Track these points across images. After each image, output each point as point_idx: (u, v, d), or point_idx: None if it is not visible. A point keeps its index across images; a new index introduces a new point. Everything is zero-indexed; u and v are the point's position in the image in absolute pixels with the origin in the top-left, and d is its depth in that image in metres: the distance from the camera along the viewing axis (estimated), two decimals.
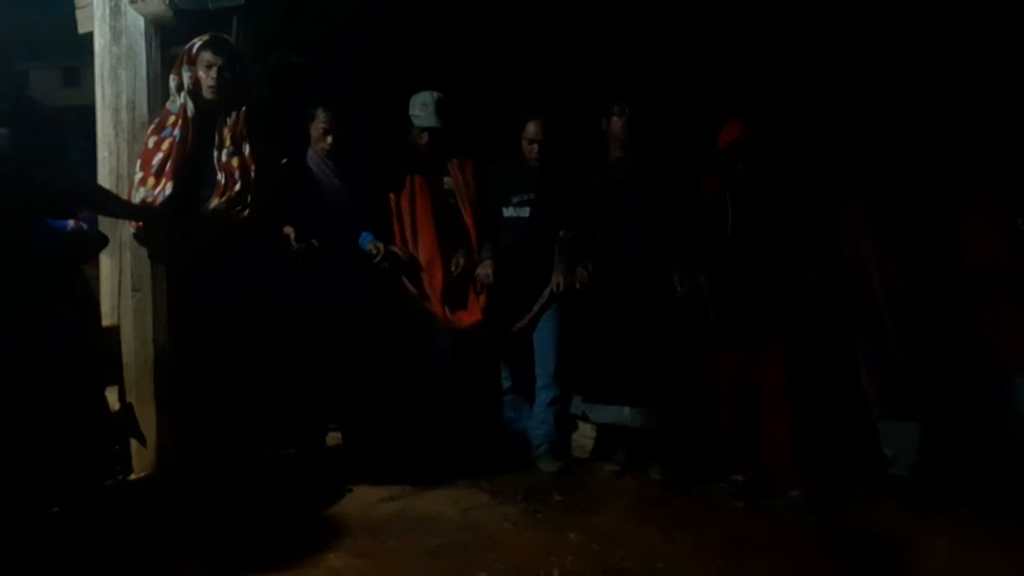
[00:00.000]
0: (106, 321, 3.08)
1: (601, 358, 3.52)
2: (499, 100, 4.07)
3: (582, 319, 3.59)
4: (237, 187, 3.01)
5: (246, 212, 3.01)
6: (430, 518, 3.07)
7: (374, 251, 3.37)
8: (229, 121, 3.02)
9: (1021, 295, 3.18)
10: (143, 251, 3.18)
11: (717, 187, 3.43)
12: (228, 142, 2.99)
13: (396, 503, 3.21)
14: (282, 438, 3.40)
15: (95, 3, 3.28)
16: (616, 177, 3.56)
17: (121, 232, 3.05)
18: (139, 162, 2.99)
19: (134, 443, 2.91)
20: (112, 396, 2.94)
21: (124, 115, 3.23)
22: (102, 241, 2.91)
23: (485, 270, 3.57)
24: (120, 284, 3.22)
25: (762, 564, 2.83)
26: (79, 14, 3.41)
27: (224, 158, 3.05)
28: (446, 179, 3.66)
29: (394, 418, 3.59)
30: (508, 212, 3.65)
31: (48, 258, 2.60)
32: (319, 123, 3.44)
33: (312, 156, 3.48)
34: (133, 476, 3.05)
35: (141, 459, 3.15)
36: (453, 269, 3.56)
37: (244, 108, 3.04)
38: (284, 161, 3.21)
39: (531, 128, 3.59)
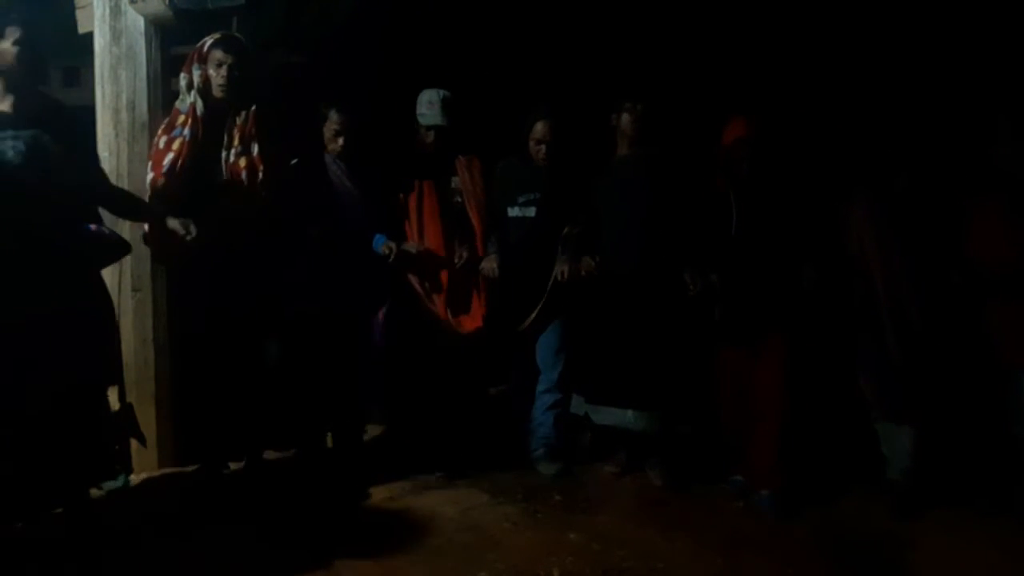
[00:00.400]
0: None
1: (604, 359, 3.51)
2: (502, 99, 4.07)
3: (585, 318, 3.57)
4: (243, 188, 3.01)
5: (252, 213, 3.01)
6: (430, 518, 3.07)
7: (387, 251, 3.36)
8: (239, 121, 3.01)
9: None
10: (144, 251, 3.18)
11: (721, 186, 3.42)
12: (236, 142, 2.98)
13: (396, 503, 3.21)
14: (282, 439, 3.40)
15: (95, 3, 3.29)
16: (624, 175, 3.54)
17: (121, 232, 3.06)
18: (150, 163, 2.99)
19: (134, 443, 2.90)
20: (112, 396, 2.94)
21: (124, 115, 3.24)
22: (123, 247, 2.92)
23: (490, 264, 3.55)
24: (120, 284, 3.23)
25: (762, 564, 2.82)
26: (79, 14, 3.42)
27: (232, 158, 3.05)
28: (453, 178, 3.65)
29: (405, 417, 3.62)
30: (513, 212, 3.64)
31: (73, 260, 2.60)
32: (331, 124, 3.42)
33: (326, 157, 3.47)
34: (133, 476, 3.06)
35: (141, 459, 3.16)
36: (456, 260, 3.55)
37: (254, 107, 3.03)
38: (293, 162, 3.20)
39: (539, 128, 3.58)
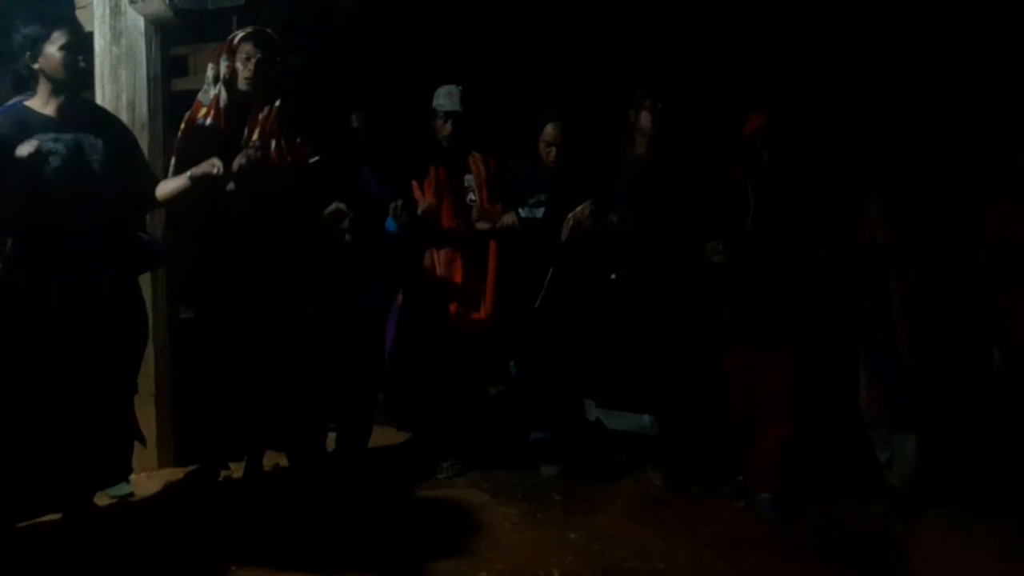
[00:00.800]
0: None
1: (620, 363, 3.46)
2: (505, 99, 4.06)
3: (598, 320, 3.55)
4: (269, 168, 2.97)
5: (279, 189, 2.97)
6: (430, 518, 3.07)
7: (394, 214, 3.32)
8: (261, 116, 3.00)
9: None
10: None
11: (740, 177, 3.36)
12: (256, 136, 2.97)
13: (396, 503, 3.21)
14: (282, 439, 3.39)
15: (95, 3, 3.29)
16: (641, 173, 3.51)
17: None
18: (174, 159, 2.97)
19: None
20: None
21: (124, 115, 3.23)
22: (161, 256, 2.91)
23: (509, 217, 3.50)
24: None
25: (762, 564, 2.83)
26: (79, 14, 3.40)
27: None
28: (466, 176, 3.64)
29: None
30: (522, 212, 3.61)
31: (114, 265, 2.61)
32: (355, 125, 3.44)
33: (352, 159, 3.46)
34: (132, 476, 3.06)
35: (141, 459, 3.16)
36: (474, 217, 3.53)
37: (278, 103, 3.02)
38: (313, 160, 3.17)
39: (549, 131, 3.56)
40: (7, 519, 2.52)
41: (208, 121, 2.95)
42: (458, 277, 3.53)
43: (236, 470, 3.32)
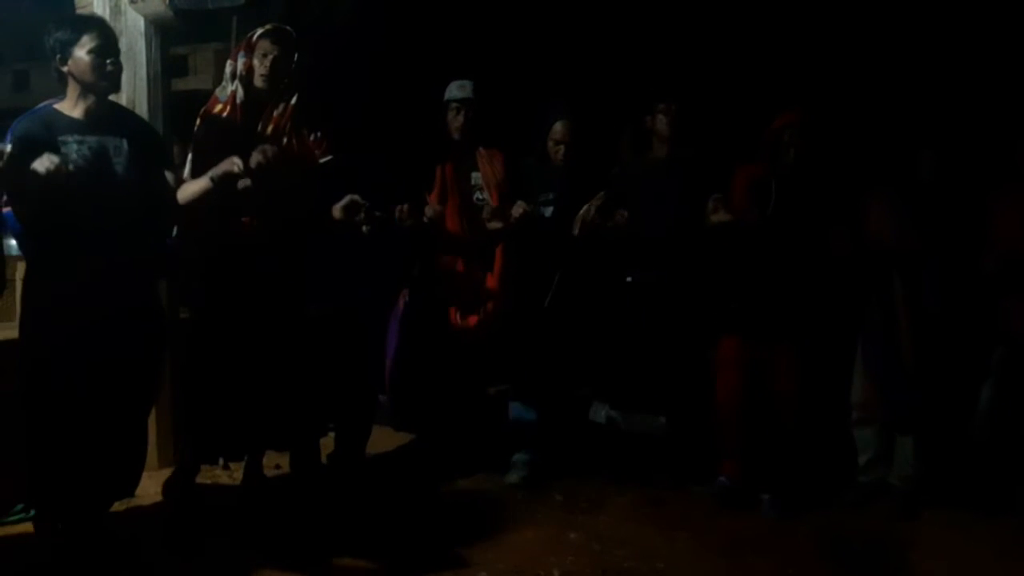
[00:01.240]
0: None
1: (637, 365, 3.45)
2: (505, 99, 4.06)
3: (612, 322, 3.54)
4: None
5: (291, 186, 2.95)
6: (430, 518, 3.08)
7: (399, 217, 3.29)
8: (275, 113, 2.99)
9: None
10: None
11: (764, 171, 3.35)
12: (269, 132, 2.96)
13: (396, 503, 3.21)
14: (281, 439, 3.38)
15: (95, 3, 3.29)
16: (657, 176, 3.50)
17: None
18: (190, 155, 2.97)
19: None
20: None
21: None
22: (178, 261, 2.91)
23: (519, 207, 3.43)
24: None
25: (762, 564, 2.83)
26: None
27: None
28: (474, 174, 3.63)
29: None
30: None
31: (136, 269, 2.60)
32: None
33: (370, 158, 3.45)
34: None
35: None
36: (485, 215, 3.50)
37: (293, 100, 3.01)
38: (324, 160, 3.16)
39: (558, 129, 3.55)
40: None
41: (224, 116, 2.95)
42: (463, 279, 3.53)
43: (236, 470, 3.32)
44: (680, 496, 3.39)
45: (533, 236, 3.52)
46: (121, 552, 2.65)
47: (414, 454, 3.72)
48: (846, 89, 4.25)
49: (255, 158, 2.69)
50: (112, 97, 3.16)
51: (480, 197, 3.59)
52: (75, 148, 2.45)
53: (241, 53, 2.95)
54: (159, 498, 3.09)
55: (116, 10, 3.29)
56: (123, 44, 3.28)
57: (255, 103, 2.95)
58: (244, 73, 2.94)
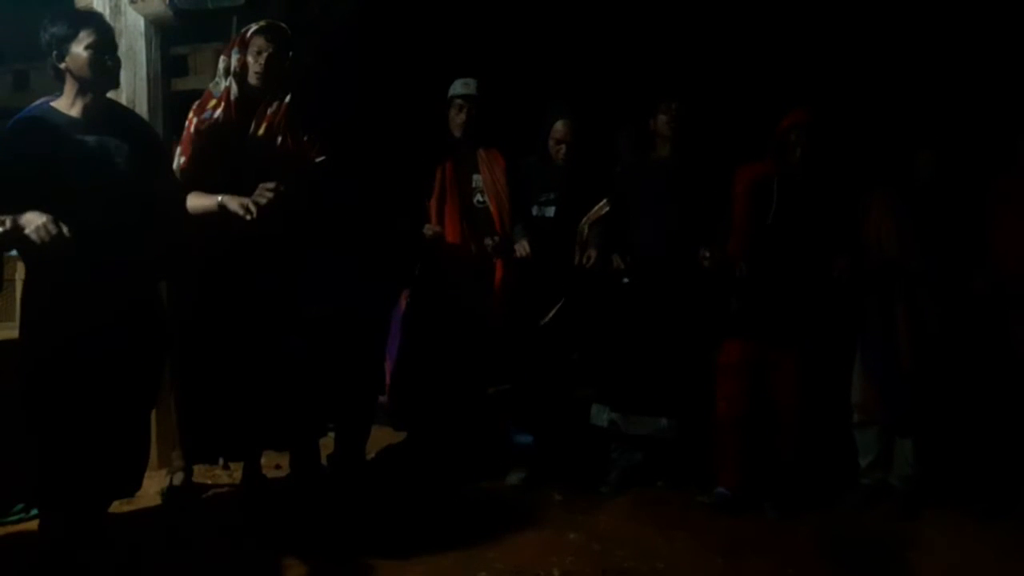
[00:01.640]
0: None
1: (639, 367, 3.44)
2: (519, 98, 4.06)
3: (613, 325, 3.54)
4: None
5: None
6: (430, 518, 3.07)
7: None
8: (269, 111, 2.98)
9: None
10: None
11: (765, 173, 3.34)
12: (262, 131, 2.96)
13: (395, 503, 3.21)
14: (281, 440, 3.38)
15: (95, 3, 3.29)
16: (660, 177, 3.50)
17: None
18: (179, 148, 2.96)
19: None
20: None
21: None
22: (178, 262, 2.91)
23: (522, 246, 3.46)
24: None
25: (762, 564, 2.82)
26: None
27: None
28: (475, 176, 3.63)
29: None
30: (533, 211, 3.62)
31: (137, 270, 2.58)
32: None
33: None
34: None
35: None
36: (488, 244, 3.50)
37: (287, 99, 3.00)
38: (320, 160, 3.16)
39: (559, 128, 3.55)
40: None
41: (217, 113, 2.94)
42: (464, 283, 3.53)
43: (236, 470, 3.33)
44: (680, 496, 3.39)
45: (534, 237, 3.53)
46: (121, 552, 2.65)
47: (414, 454, 3.72)
48: (846, 89, 4.25)
49: (256, 199, 2.68)
50: (111, 96, 3.16)
51: (480, 200, 3.59)
52: (74, 148, 2.41)
53: (235, 49, 2.93)
54: (159, 499, 3.10)
55: (116, 10, 3.29)
56: (123, 44, 3.28)
57: (249, 100, 2.94)
58: (238, 70, 2.93)
